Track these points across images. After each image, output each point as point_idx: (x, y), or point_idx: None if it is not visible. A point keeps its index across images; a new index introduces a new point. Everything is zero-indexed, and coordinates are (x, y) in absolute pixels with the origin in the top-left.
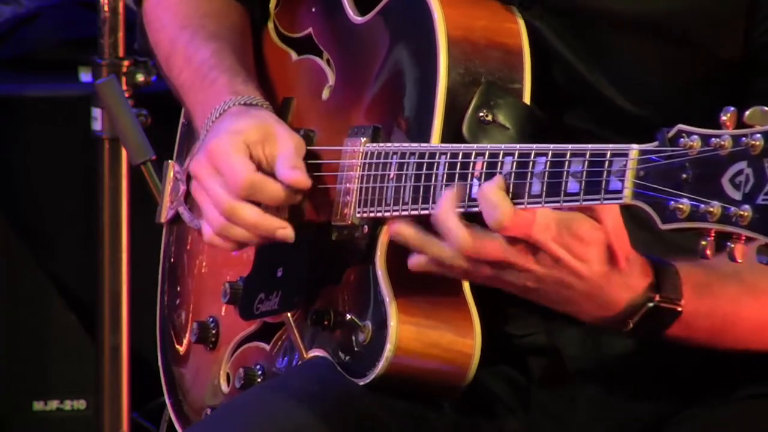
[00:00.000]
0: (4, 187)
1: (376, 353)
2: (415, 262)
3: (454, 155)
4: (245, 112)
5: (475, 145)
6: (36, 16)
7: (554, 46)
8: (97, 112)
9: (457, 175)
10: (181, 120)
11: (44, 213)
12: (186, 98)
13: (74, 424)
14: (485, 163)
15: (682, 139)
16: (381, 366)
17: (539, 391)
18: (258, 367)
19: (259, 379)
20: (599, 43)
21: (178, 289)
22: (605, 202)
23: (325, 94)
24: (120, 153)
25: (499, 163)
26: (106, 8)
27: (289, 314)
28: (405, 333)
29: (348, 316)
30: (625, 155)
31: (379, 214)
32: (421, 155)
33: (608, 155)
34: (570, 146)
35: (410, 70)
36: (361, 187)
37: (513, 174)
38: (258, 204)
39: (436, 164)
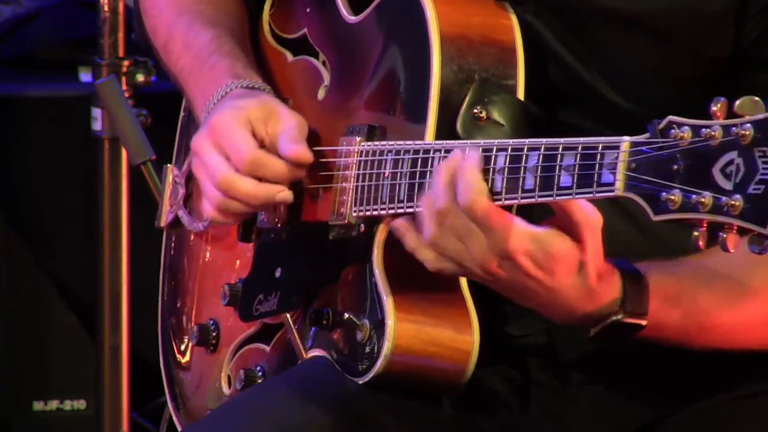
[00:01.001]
0: (4, 187)
1: (375, 351)
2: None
3: (448, 151)
4: (247, 94)
5: (468, 141)
6: (36, 16)
7: (547, 41)
8: (97, 112)
9: None
10: (181, 114)
11: (44, 213)
12: (186, 84)
13: (74, 424)
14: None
15: (672, 131)
16: (380, 364)
17: (538, 390)
18: (258, 368)
19: (259, 381)
20: (591, 39)
21: (178, 292)
22: (597, 195)
23: (321, 94)
24: (120, 153)
25: (492, 158)
26: (106, 8)
27: (288, 315)
28: (403, 331)
29: (346, 315)
30: (617, 148)
31: (375, 212)
32: (416, 152)
33: (600, 148)
34: (562, 140)
35: (404, 67)
36: (357, 186)
37: (506, 169)
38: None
39: (430, 160)
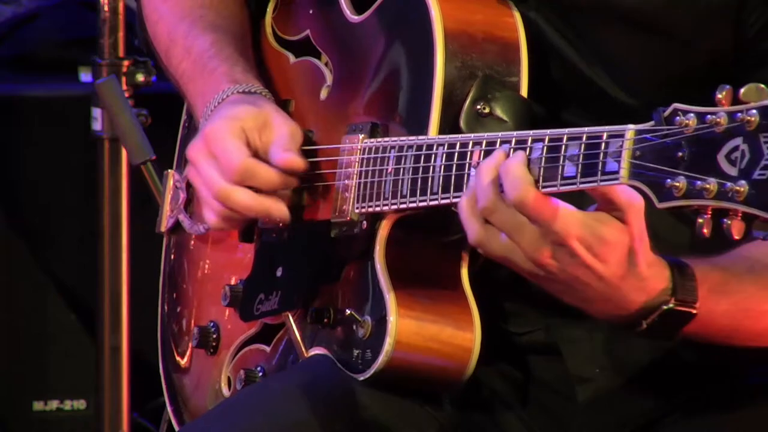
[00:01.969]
0: (4, 187)
1: (376, 348)
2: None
3: (452, 146)
4: (244, 100)
5: (471, 135)
6: (36, 16)
7: (549, 38)
8: (97, 112)
9: (454, 166)
10: (183, 119)
11: (44, 213)
12: (186, 88)
13: (74, 424)
14: (482, 152)
15: (678, 118)
16: (381, 361)
17: (538, 388)
18: (259, 368)
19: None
20: (592, 36)
21: (179, 295)
22: (602, 183)
23: (323, 94)
24: (120, 153)
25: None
26: (106, 8)
27: (289, 314)
28: (404, 327)
29: (347, 312)
30: (621, 136)
31: (378, 209)
32: (419, 148)
33: (604, 137)
34: (566, 130)
35: (408, 65)
36: (359, 183)
37: None
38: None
39: (433, 156)
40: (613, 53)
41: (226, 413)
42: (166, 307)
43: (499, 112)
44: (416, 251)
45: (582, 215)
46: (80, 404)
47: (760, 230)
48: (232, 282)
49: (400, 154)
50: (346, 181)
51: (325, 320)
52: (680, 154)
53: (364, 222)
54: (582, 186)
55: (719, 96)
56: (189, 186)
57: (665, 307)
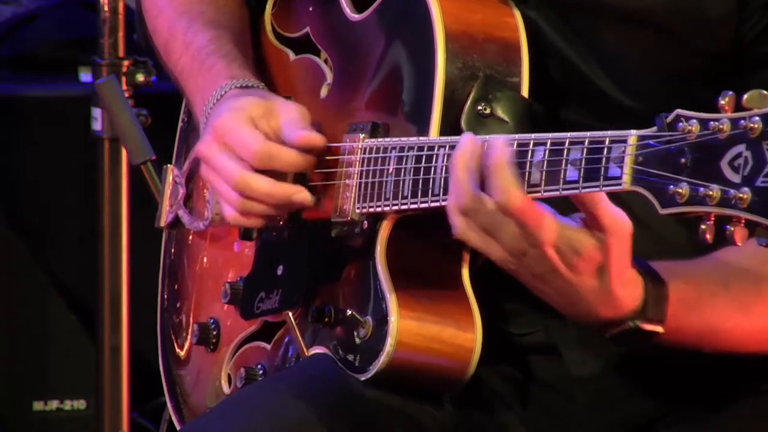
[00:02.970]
0: (4, 187)
1: (377, 348)
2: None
3: (453, 147)
4: (244, 93)
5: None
6: (36, 16)
7: (550, 38)
8: (97, 112)
9: None
10: (181, 117)
11: (44, 213)
12: (185, 84)
13: (74, 424)
14: None
15: (680, 124)
16: (382, 361)
17: (538, 388)
18: (259, 366)
19: (260, 379)
20: (593, 36)
21: (178, 291)
22: (604, 188)
23: (324, 92)
24: (120, 153)
25: None
26: (106, 8)
27: (289, 313)
28: (405, 327)
29: (348, 312)
30: (624, 141)
31: (379, 209)
32: (420, 148)
33: (607, 142)
34: (568, 134)
35: (408, 64)
36: (360, 183)
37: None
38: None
39: (435, 156)
40: (612, 53)
41: (227, 412)
42: (165, 302)
43: (500, 112)
44: (417, 251)
45: (562, 226)
46: (80, 404)
47: (763, 237)
48: (232, 279)
49: (401, 155)
50: (347, 181)
51: (326, 320)
52: (683, 160)
53: (365, 222)
54: (584, 191)
55: (722, 102)
56: (188, 181)
57: (631, 325)
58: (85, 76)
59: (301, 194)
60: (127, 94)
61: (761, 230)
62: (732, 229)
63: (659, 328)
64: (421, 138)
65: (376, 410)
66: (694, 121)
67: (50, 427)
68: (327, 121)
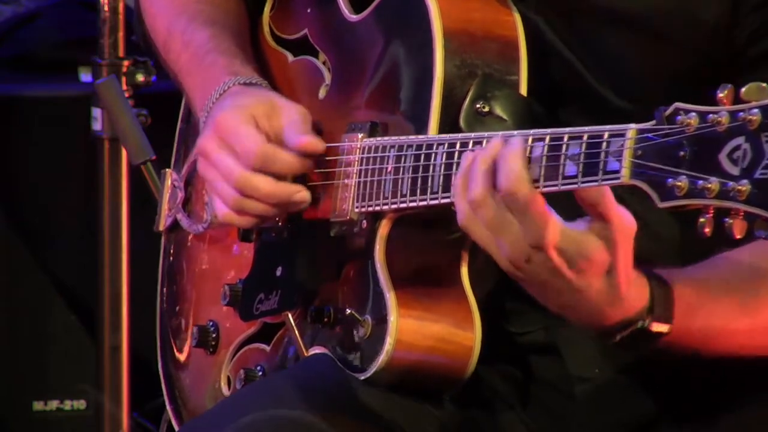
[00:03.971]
0: (4, 187)
1: (377, 347)
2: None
3: (452, 145)
4: (246, 91)
5: (472, 134)
6: (36, 16)
7: (548, 38)
8: (97, 112)
9: (455, 165)
10: (180, 120)
11: (44, 213)
12: (185, 82)
13: (74, 424)
14: None
15: (679, 117)
16: (381, 360)
17: (539, 387)
18: (259, 368)
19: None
20: (591, 37)
21: (177, 294)
22: (603, 182)
23: (322, 93)
24: (120, 153)
25: None
26: (106, 8)
27: (288, 313)
28: (405, 326)
29: (348, 312)
30: (623, 135)
31: (378, 208)
32: (419, 147)
33: (606, 136)
34: (567, 129)
35: (407, 63)
36: (359, 182)
37: None
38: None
39: (433, 155)
40: (610, 55)
41: (227, 411)
42: (164, 305)
43: (498, 110)
44: (416, 250)
45: (567, 228)
46: (80, 404)
47: (762, 229)
48: (231, 281)
49: (400, 154)
50: (346, 180)
51: (325, 319)
52: (682, 153)
53: (364, 221)
54: (583, 185)
55: (720, 95)
56: (187, 185)
57: (640, 325)
58: (85, 76)
59: (301, 194)
60: (127, 94)
61: (760, 222)
62: (731, 221)
63: (667, 328)
64: (419, 136)
65: (377, 410)
66: (693, 114)
67: (50, 427)
68: (325, 121)
